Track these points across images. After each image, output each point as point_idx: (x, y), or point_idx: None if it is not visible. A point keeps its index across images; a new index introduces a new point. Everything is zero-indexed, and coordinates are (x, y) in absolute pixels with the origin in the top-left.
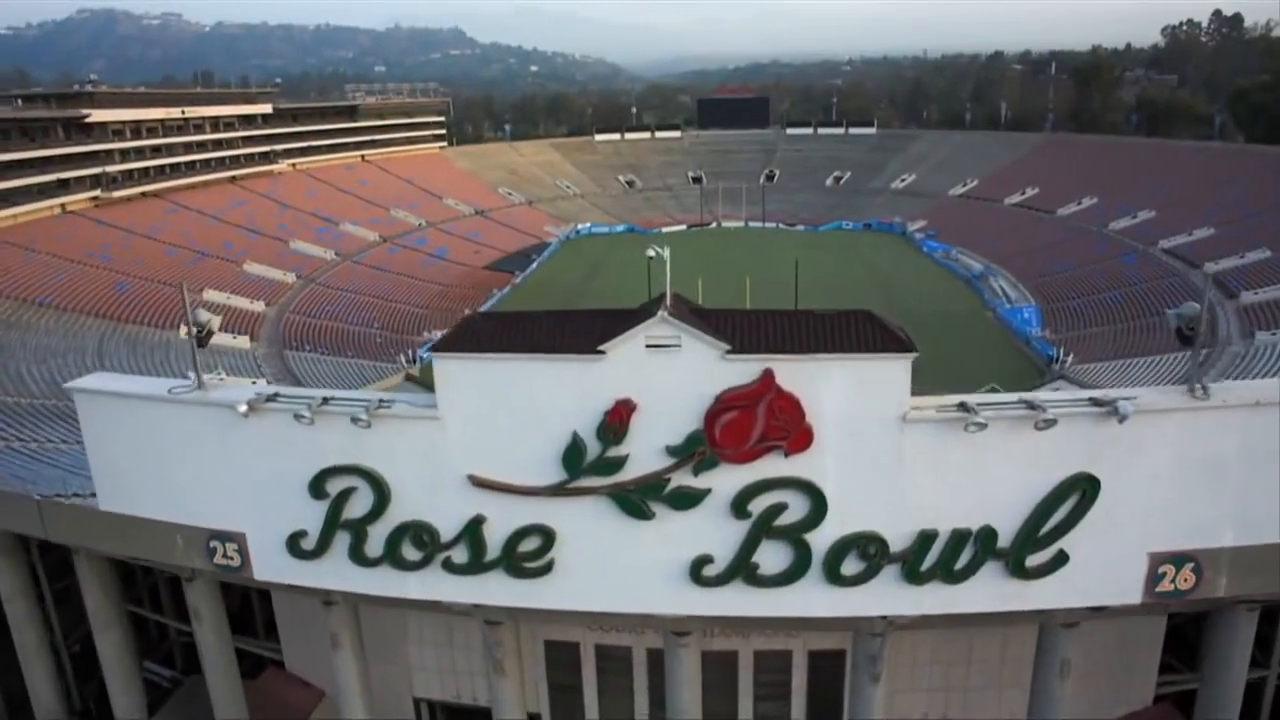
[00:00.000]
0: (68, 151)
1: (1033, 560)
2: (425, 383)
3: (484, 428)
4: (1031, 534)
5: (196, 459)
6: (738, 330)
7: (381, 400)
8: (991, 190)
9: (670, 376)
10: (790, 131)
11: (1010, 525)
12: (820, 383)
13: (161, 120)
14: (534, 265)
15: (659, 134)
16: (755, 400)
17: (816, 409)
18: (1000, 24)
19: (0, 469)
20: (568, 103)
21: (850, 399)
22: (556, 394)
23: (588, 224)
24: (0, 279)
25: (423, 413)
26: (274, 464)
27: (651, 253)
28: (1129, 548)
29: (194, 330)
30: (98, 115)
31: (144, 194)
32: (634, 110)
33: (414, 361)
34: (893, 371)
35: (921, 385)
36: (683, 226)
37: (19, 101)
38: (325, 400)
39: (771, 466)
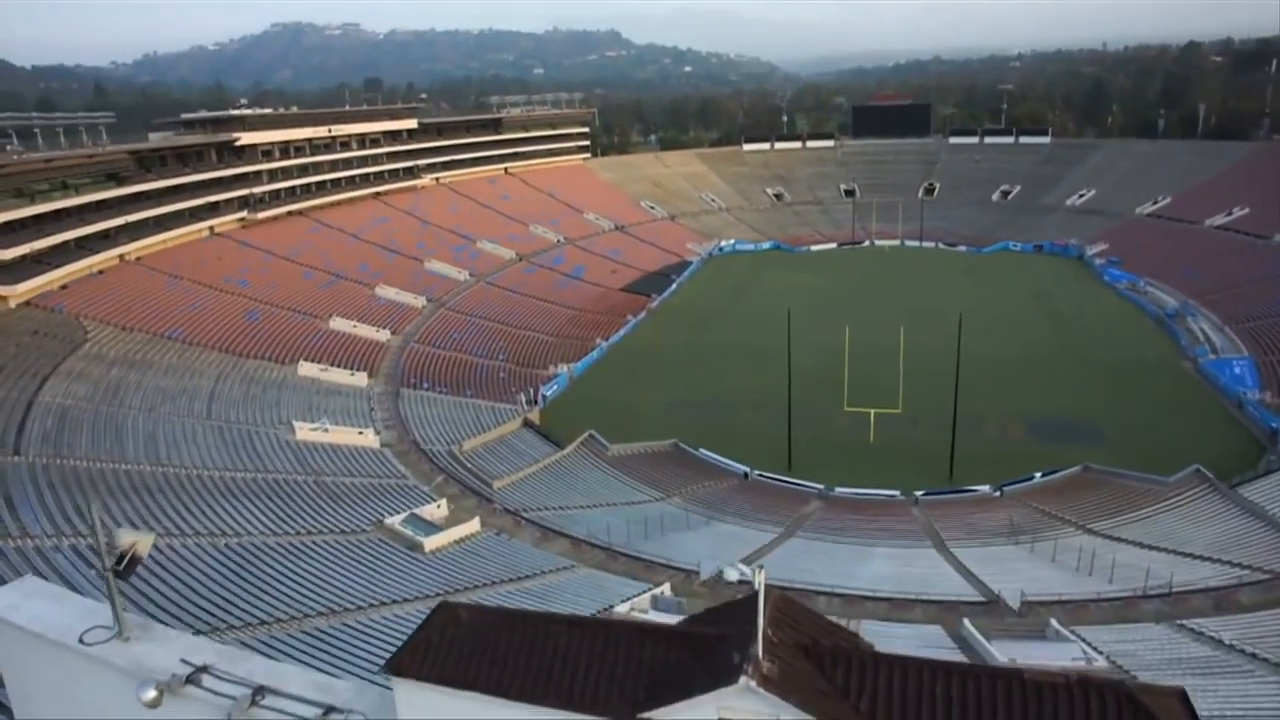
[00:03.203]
0: (218, 175)
1: None
2: (545, 431)
3: None
4: None
5: None
6: (881, 703)
7: (331, 711)
8: (1188, 209)
9: None
10: (953, 140)
11: None
12: None
13: (309, 139)
14: (673, 287)
15: (810, 143)
16: None
17: None
18: (1194, 8)
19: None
20: (719, 106)
21: None
22: None
23: (731, 240)
24: (139, 310)
25: None
26: None
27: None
28: None
29: (110, 560)
30: (247, 138)
31: (289, 213)
32: (785, 118)
33: (534, 402)
34: None
35: (1106, 457)
36: (832, 245)
37: (182, 128)
38: (258, 695)
39: None
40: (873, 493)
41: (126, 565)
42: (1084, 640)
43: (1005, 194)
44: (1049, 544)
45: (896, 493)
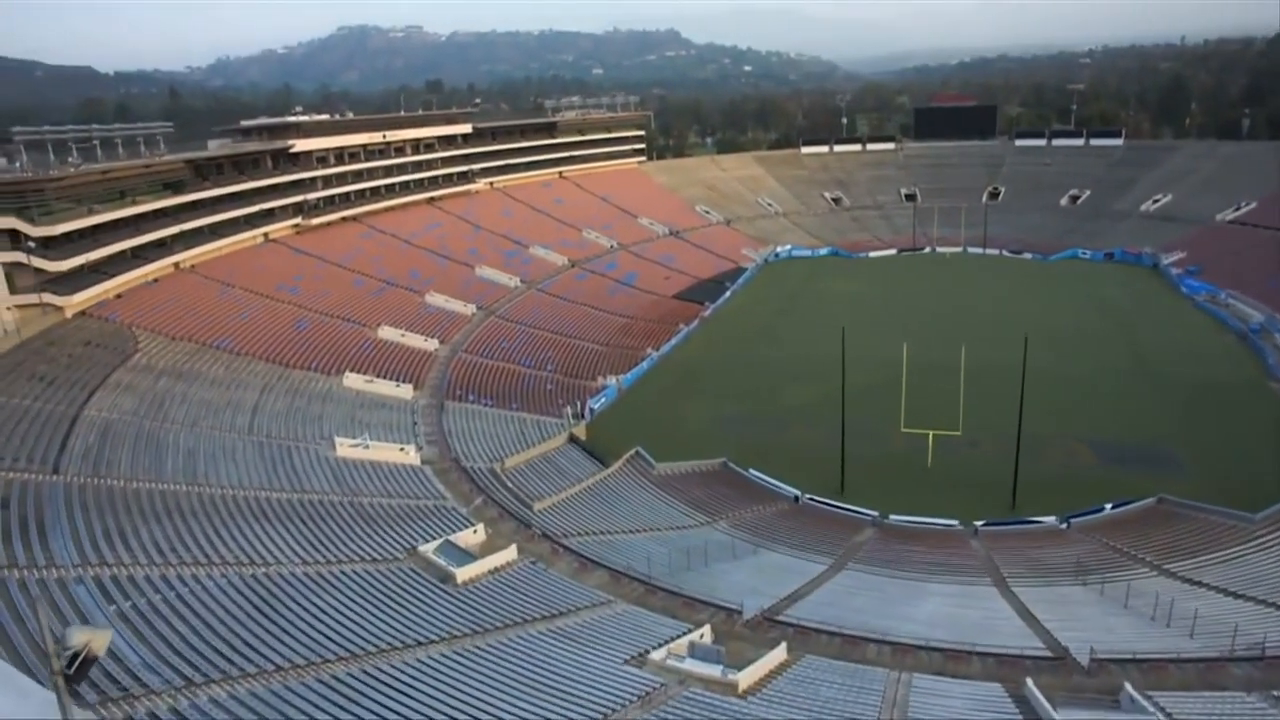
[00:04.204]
0: (273, 182)
1: None
2: (590, 447)
3: None
4: None
5: None
6: None
7: None
8: (1275, 215)
9: None
10: (1019, 142)
11: None
12: None
13: (364, 145)
14: (726, 294)
15: (870, 145)
16: None
17: None
18: None
19: None
20: (777, 107)
21: None
22: None
23: (787, 246)
24: (190, 319)
25: None
26: None
27: None
28: None
29: (60, 663)
30: (302, 145)
31: (343, 219)
32: (844, 120)
33: (581, 416)
34: None
35: (1183, 488)
36: (892, 251)
37: (239, 135)
38: None
39: None
40: (929, 521)
41: (79, 667)
42: (1163, 711)
43: (1074, 199)
44: (1120, 586)
45: (955, 522)
